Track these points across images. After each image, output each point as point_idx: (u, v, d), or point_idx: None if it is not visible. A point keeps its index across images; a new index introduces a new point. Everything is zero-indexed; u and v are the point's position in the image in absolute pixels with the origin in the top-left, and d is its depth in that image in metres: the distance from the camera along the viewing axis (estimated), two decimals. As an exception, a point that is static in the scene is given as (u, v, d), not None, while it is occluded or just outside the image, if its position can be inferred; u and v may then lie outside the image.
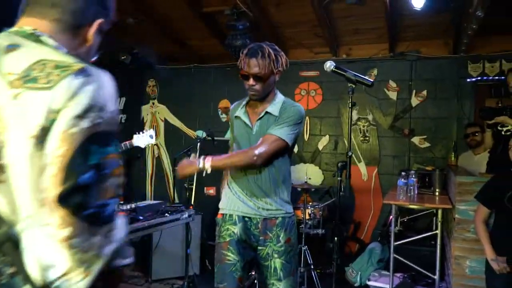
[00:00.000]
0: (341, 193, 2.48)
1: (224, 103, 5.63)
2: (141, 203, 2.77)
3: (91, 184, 0.83)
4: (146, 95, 6.17)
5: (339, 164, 2.28)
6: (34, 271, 0.84)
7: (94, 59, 1.14)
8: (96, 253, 0.83)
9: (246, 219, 2.10)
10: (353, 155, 4.87)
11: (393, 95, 4.91)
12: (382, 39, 4.71)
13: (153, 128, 6.04)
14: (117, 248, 0.88)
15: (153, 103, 6.14)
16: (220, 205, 2.18)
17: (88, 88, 0.85)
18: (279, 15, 4.44)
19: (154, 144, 6.05)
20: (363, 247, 4.51)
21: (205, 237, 4.53)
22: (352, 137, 4.99)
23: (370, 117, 4.99)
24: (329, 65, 2.10)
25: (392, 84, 4.90)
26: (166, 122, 6.05)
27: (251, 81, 2.05)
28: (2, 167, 0.86)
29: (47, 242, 0.82)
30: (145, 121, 6.17)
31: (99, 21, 1.04)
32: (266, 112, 2.10)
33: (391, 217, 3.52)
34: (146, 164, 6.16)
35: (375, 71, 4.95)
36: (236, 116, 2.19)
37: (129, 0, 4.36)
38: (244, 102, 2.20)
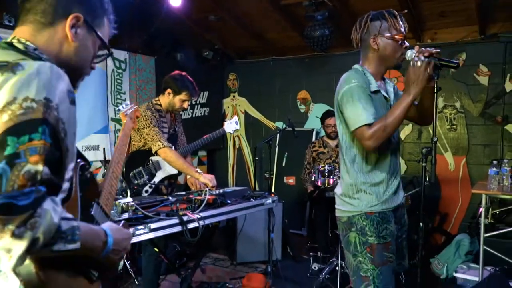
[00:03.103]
0: (426, 182, 2.40)
1: (303, 94, 5.67)
2: (228, 189, 2.97)
3: (1, 174, 0.83)
4: (227, 89, 6.42)
5: (424, 150, 2.20)
6: None
7: (98, 60, 1.16)
8: (12, 240, 0.82)
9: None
10: (438, 144, 4.79)
11: (484, 80, 4.61)
12: (471, 21, 4.43)
13: (234, 120, 6.28)
14: (45, 234, 0.86)
15: (234, 96, 6.38)
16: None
17: (10, 82, 0.88)
18: (359, 2, 4.37)
19: (235, 136, 6.31)
20: (449, 239, 4.32)
21: (286, 225, 4.65)
22: (438, 125, 4.83)
23: (457, 104, 4.75)
24: (410, 53, 1.81)
25: (483, 68, 4.60)
26: (246, 114, 6.26)
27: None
28: None
29: None
30: (226, 113, 6.43)
31: (74, 14, 1.04)
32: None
33: (481, 208, 3.35)
34: (228, 154, 6.44)
35: (463, 56, 4.69)
36: (375, 91, 1.88)
37: (210, -2, 4.57)
38: (367, 74, 1.90)
